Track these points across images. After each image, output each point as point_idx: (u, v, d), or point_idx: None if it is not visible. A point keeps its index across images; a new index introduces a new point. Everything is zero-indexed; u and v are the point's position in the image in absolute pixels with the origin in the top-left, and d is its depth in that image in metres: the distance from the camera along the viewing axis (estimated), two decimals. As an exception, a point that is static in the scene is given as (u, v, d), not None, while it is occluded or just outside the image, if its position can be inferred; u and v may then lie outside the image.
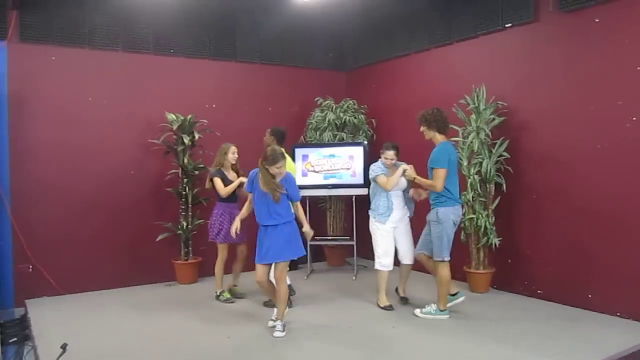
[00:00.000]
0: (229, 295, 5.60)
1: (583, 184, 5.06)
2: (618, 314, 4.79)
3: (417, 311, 4.98)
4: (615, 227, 4.82)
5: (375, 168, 5.25)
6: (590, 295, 5.01)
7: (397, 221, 5.24)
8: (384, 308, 5.23)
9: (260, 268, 4.53)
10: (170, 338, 4.54)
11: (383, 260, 5.24)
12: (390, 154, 5.17)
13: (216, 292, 5.64)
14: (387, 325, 4.77)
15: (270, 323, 4.70)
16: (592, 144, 4.97)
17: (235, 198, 5.62)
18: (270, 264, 4.58)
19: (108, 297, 5.88)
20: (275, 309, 4.70)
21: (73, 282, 5.97)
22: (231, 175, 5.60)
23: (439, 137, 4.91)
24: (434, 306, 4.95)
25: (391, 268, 5.26)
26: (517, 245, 5.68)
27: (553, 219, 5.34)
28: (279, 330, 4.50)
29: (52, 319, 5.06)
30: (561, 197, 5.25)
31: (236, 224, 4.76)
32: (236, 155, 5.60)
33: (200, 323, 4.94)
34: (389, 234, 5.23)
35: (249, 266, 5.23)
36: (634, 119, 4.65)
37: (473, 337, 4.40)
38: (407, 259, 5.31)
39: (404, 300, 5.40)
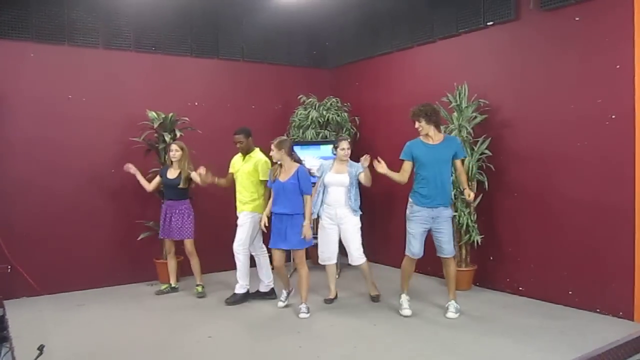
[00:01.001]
0: (163, 288, 5.87)
1: (564, 181, 5.10)
2: (598, 310, 4.83)
3: (451, 314, 4.85)
4: (595, 224, 4.87)
5: (320, 165, 5.45)
6: (570, 292, 5.05)
7: (337, 217, 5.28)
8: (325, 300, 5.39)
9: (277, 253, 5.03)
10: (150, 337, 4.50)
11: (320, 253, 5.43)
12: (345, 143, 5.30)
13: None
14: (369, 323, 4.77)
15: (280, 304, 5.28)
16: (572, 142, 5.01)
17: (176, 196, 5.73)
18: (286, 251, 5.08)
19: (89, 296, 5.82)
20: (284, 292, 5.30)
21: (53, 282, 5.89)
22: (173, 173, 5.73)
23: (437, 132, 4.86)
24: (453, 302, 4.91)
25: (329, 262, 5.39)
26: (499, 243, 5.71)
27: (534, 216, 5.37)
28: (304, 312, 4.97)
29: (30, 320, 5.00)
30: (542, 195, 5.29)
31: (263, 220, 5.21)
32: (175, 153, 5.67)
33: (182, 322, 4.91)
34: (324, 228, 5.36)
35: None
36: (613, 116, 4.70)
37: (454, 334, 4.41)
38: (352, 259, 5.30)
39: (374, 299, 5.41)
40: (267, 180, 5.30)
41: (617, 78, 4.66)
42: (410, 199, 4.92)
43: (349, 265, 5.53)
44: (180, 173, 5.71)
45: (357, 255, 5.31)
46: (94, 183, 6.19)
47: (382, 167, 4.82)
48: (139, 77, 6.50)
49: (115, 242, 6.27)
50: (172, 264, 5.92)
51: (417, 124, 4.83)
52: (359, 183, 5.34)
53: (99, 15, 6.20)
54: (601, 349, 4.06)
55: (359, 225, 5.36)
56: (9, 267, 5.70)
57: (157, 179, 5.86)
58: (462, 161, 4.97)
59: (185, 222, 5.77)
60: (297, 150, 6.73)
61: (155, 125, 6.19)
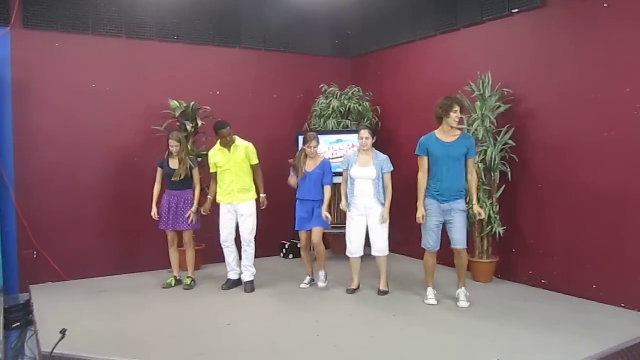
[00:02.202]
0: (168, 281, 5.78)
1: (589, 173, 4.99)
2: (622, 305, 4.73)
3: (463, 303, 4.87)
4: (621, 217, 4.75)
5: (345, 159, 5.44)
6: (594, 286, 4.95)
7: (365, 209, 5.23)
8: (347, 290, 5.40)
9: (303, 234, 5.56)
10: (170, 324, 4.55)
11: (347, 245, 5.37)
12: (365, 132, 5.23)
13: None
14: (388, 313, 4.75)
15: (303, 286, 5.64)
16: (599, 133, 4.88)
17: (181, 185, 5.67)
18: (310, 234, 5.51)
19: (111, 283, 5.91)
20: (307, 277, 5.71)
21: (77, 268, 6.01)
22: (174, 163, 5.64)
23: (457, 130, 4.89)
24: (463, 290, 4.94)
25: (356, 255, 5.35)
26: (522, 235, 5.62)
27: (558, 208, 5.27)
28: (322, 281, 5.58)
29: (55, 305, 5.10)
30: (567, 187, 5.17)
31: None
32: (174, 148, 5.57)
33: (202, 309, 4.96)
34: (353, 220, 5.32)
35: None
36: (642, 106, 4.57)
37: (474, 327, 4.36)
38: (375, 250, 5.27)
39: (382, 293, 5.31)
40: (257, 164, 5.57)
41: (647, 67, 4.53)
42: (426, 193, 4.94)
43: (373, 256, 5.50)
44: (181, 166, 5.62)
45: (380, 247, 5.25)
46: (118, 171, 6.28)
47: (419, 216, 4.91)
48: (161, 66, 6.54)
49: (138, 229, 6.34)
50: (176, 256, 5.85)
51: (459, 113, 4.80)
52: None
53: (121, 4, 6.25)
54: (625, 344, 4.01)
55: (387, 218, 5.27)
56: (35, 252, 5.84)
57: (159, 171, 5.71)
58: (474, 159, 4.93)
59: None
60: (321, 139, 6.79)
61: (177, 114, 6.23)
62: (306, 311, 4.92)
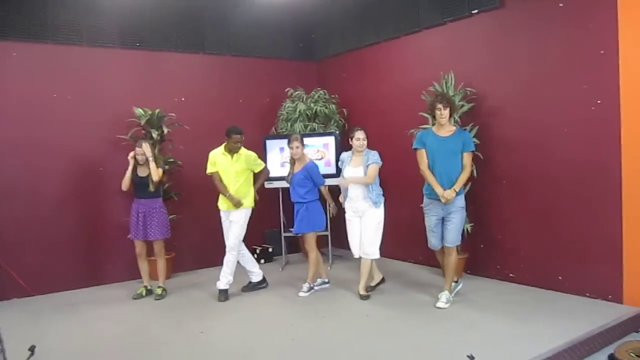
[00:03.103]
0: (138, 292, 5.70)
1: (551, 167, 5.13)
2: (587, 294, 4.88)
3: (441, 304, 4.85)
4: (583, 209, 4.91)
5: (340, 158, 5.42)
6: (560, 277, 5.10)
7: (358, 210, 5.24)
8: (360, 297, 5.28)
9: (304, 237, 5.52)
10: (142, 335, 4.49)
11: (350, 246, 5.35)
12: (360, 133, 5.19)
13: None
14: (361, 314, 4.79)
15: (314, 288, 5.57)
16: (559, 128, 5.03)
17: (144, 194, 5.56)
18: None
19: (80, 296, 5.80)
20: (319, 280, 5.63)
21: (43, 283, 5.86)
22: (143, 171, 5.53)
23: (451, 126, 4.94)
24: (446, 293, 4.93)
25: (357, 255, 5.33)
26: (489, 231, 5.74)
27: (523, 203, 5.40)
28: (304, 291, 5.42)
29: (21, 321, 4.97)
30: (530, 182, 5.31)
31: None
32: (141, 156, 5.48)
33: (174, 319, 4.91)
34: (350, 221, 5.33)
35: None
36: (599, 102, 4.72)
37: (446, 323, 4.44)
38: (362, 252, 5.22)
39: (363, 298, 5.22)
40: (264, 166, 5.66)
41: (602, 64, 4.68)
42: (423, 192, 5.01)
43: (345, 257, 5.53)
44: (149, 173, 5.51)
45: (368, 250, 5.18)
46: (82, 182, 6.15)
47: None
48: (125, 74, 6.44)
49: (105, 240, 6.24)
50: (145, 265, 5.76)
51: (443, 111, 4.82)
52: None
53: (81, 12, 6.13)
54: (592, 332, 4.14)
55: (381, 219, 5.21)
56: (-1, 268, 5.67)
57: (129, 175, 5.57)
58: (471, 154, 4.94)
59: (162, 221, 5.64)
60: (285, 143, 6.78)
61: (142, 122, 6.16)
62: (280, 315, 4.92)
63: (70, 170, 6.09)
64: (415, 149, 4.98)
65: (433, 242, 5.00)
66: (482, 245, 5.82)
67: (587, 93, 4.80)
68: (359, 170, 5.18)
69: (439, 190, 4.79)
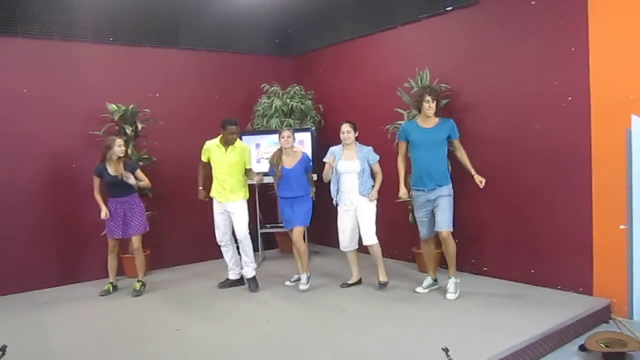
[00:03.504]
0: (105, 288, 5.66)
1: (523, 163, 5.22)
2: (559, 287, 4.98)
3: (450, 295, 4.92)
4: (555, 204, 5.00)
5: (328, 154, 5.39)
6: (532, 271, 5.19)
7: (354, 203, 5.26)
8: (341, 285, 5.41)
9: (295, 230, 5.41)
10: (117, 333, 4.44)
11: (340, 240, 5.38)
12: (345, 126, 5.23)
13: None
14: (338, 309, 4.81)
15: (287, 283, 5.59)
16: (531, 124, 5.12)
17: (126, 191, 5.49)
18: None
19: (52, 295, 5.70)
20: (296, 275, 5.60)
21: (15, 281, 5.74)
22: (114, 169, 5.43)
23: (435, 117, 4.99)
24: (453, 279, 4.99)
25: (349, 249, 5.38)
26: (463, 226, 5.79)
27: (496, 198, 5.48)
28: (304, 283, 5.39)
29: (-8, 321, 4.88)
30: (503, 177, 5.39)
31: None
32: (122, 148, 5.44)
33: (150, 316, 4.86)
34: (343, 218, 5.35)
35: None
36: (570, 98, 4.81)
37: (421, 316, 4.49)
38: (366, 239, 5.26)
39: (382, 285, 5.32)
40: (250, 169, 5.57)
41: (573, 61, 4.77)
42: (410, 184, 5.09)
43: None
44: (124, 168, 5.44)
45: (370, 237, 5.23)
46: (54, 179, 6.04)
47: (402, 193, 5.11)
48: (98, 69, 6.33)
49: (78, 238, 6.15)
50: (114, 262, 5.73)
51: (431, 104, 4.87)
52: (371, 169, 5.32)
53: (52, 5, 6.00)
54: (563, 324, 4.22)
55: (374, 209, 5.29)
56: (-32, 267, 5.55)
57: (97, 180, 5.48)
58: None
59: (142, 217, 5.61)
60: (265, 139, 6.78)
61: (116, 118, 6.07)
62: (257, 311, 4.90)
63: (42, 167, 5.97)
64: (401, 132, 5.07)
65: (423, 231, 5.09)
66: (456, 240, 5.80)
67: (558, 89, 4.89)
68: (353, 163, 5.23)
69: (401, 190, 5.01)
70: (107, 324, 4.72)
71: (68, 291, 5.83)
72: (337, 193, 5.36)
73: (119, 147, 5.40)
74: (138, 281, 5.65)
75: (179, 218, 6.04)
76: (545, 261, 5.10)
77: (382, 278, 5.35)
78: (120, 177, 5.35)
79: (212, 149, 5.48)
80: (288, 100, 7.10)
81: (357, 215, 5.30)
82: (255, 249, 6.61)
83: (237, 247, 5.60)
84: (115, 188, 5.47)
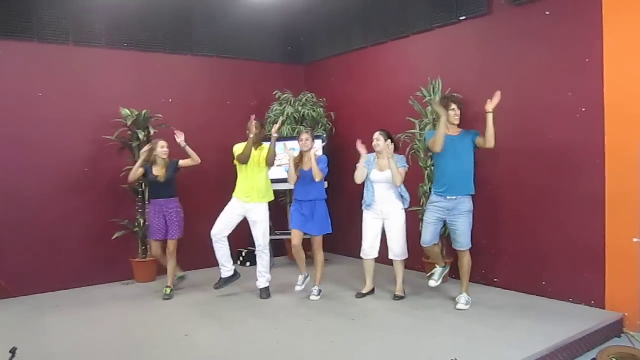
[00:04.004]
0: (168, 292, 5.65)
1: (536, 174, 5.18)
2: (571, 299, 4.93)
3: (461, 306, 4.90)
4: (567, 216, 4.96)
5: (367, 158, 5.29)
6: (544, 282, 5.14)
7: (383, 213, 5.23)
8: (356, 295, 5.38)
9: (297, 233, 5.33)
10: (126, 338, 4.45)
11: (363, 246, 5.33)
12: (375, 134, 5.20)
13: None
14: (347, 318, 4.79)
15: (297, 288, 5.44)
16: (544, 135, 5.09)
17: (166, 194, 5.60)
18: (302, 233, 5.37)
19: (63, 298, 5.73)
20: (300, 276, 5.46)
21: (27, 284, 5.78)
22: (157, 170, 5.56)
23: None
24: (465, 295, 4.97)
25: (369, 257, 5.31)
26: (474, 236, 5.71)
27: (508, 208, 5.45)
28: (315, 295, 5.39)
29: (3, 323, 4.90)
30: (515, 187, 5.36)
31: None
32: (165, 150, 5.58)
33: (159, 321, 4.87)
34: (368, 222, 5.30)
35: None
36: (584, 109, 4.78)
37: (431, 327, 4.46)
38: (392, 254, 5.26)
39: (397, 298, 5.29)
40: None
41: (587, 72, 4.74)
42: (432, 190, 5.04)
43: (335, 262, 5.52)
44: (166, 170, 5.58)
45: (398, 251, 5.23)
46: (67, 182, 6.09)
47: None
48: (112, 74, 6.40)
49: (89, 241, 6.19)
50: (172, 264, 5.72)
51: (457, 111, 4.88)
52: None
53: (68, 10, 6.09)
54: (574, 337, 4.17)
55: (404, 219, 5.26)
56: (-20, 269, 5.60)
57: (141, 170, 5.60)
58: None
59: (179, 222, 5.67)
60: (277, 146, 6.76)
61: (129, 123, 6.12)
62: (265, 318, 4.89)
63: (55, 171, 6.02)
64: (427, 140, 5.05)
65: (427, 237, 4.96)
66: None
67: (572, 100, 4.86)
68: (386, 173, 5.18)
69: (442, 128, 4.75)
70: (115, 328, 4.73)
71: (78, 294, 5.86)
72: (370, 200, 5.26)
73: (162, 148, 5.55)
74: (167, 287, 5.66)
75: (191, 223, 6.03)
76: (557, 273, 5.05)
77: (399, 292, 5.32)
78: (159, 180, 5.52)
79: (240, 149, 5.47)
80: (300, 108, 7.11)
81: (386, 228, 5.26)
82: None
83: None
84: (155, 189, 5.61)
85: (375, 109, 6.78)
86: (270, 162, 5.43)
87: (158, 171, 5.58)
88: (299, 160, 5.42)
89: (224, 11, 7.13)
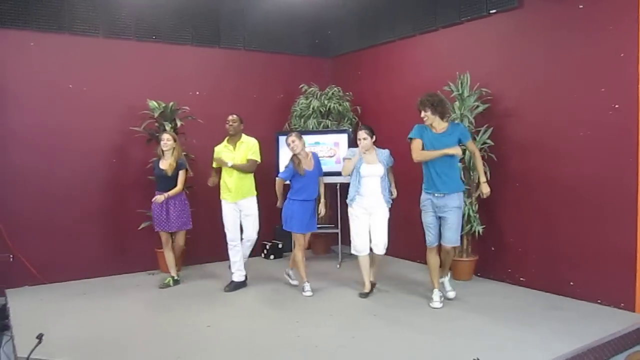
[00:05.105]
0: (166, 281, 5.77)
1: (566, 171, 5.06)
2: (599, 301, 4.81)
3: (451, 294, 5.00)
4: (598, 215, 4.83)
5: (348, 152, 5.37)
6: (571, 283, 5.03)
7: (370, 207, 5.20)
8: (360, 295, 5.29)
9: (302, 237, 5.41)
10: (150, 327, 4.52)
11: (354, 243, 5.28)
12: (361, 133, 5.17)
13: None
14: (368, 313, 4.77)
15: (309, 294, 5.38)
16: (575, 131, 4.96)
17: (165, 187, 5.65)
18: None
19: (90, 286, 5.83)
20: (306, 284, 5.43)
21: (55, 271, 5.91)
22: (164, 164, 5.64)
23: (441, 122, 4.84)
24: (447, 278, 5.08)
25: (364, 253, 5.25)
26: (501, 233, 5.68)
27: (536, 206, 5.34)
28: (308, 290, 5.37)
29: (32, 309, 5.02)
30: (544, 185, 5.24)
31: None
32: (166, 142, 5.63)
33: (182, 311, 4.92)
34: (358, 218, 5.24)
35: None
36: (617, 106, 4.64)
37: (453, 325, 4.40)
38: (377, 248, 5.22)
39: (372, 285, 5.35)
40: (255, 160, 5.52)
41: (621, 67, 4.60)
42: (423, 188, 4.98)
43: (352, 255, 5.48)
44: (170, 164, 5.63)
45: (382, 245, 5.20)
46: (95, 172, 6.19)
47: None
48: (140, 66, 6.47)
49: (116, 231, 6.29)
50: (171, 256, 5.81)
51: (422, 113, 4.81)
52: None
53: (99, 4, 6.17)
54: (602, 340, 4.07)
55: (388, 215, 5.24)
56: (11, 255, 5.73)
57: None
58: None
59: (184, 213, 5.77)
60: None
61: (156, 115, 6.17)
62: (287, 311, 4.91)
63: (84, 161, 6.12)
64: (411, 139, 4.88)
65: (430, 238, 4.92)
66: (492, 248, 5.76)
67: (604, 96, 4.72)
68: (376, 167, 5.17)
69: (442, 151, 4.72)
70: (139, 317, 4.81)
71: (105, 283, 5.96)
72: (355, 194, 5.24)
73: (162, 141, 5.62)
74: (171, 276, 5.77)
75: (215, 215, 6.08)
76: (585, 274, 4.93)
77: (373, 279, 5.39)
78: (165, 173, 5.58)
79: (221, 150, 5.58)
80: (326, 101, 7.08)
81: (371, 221, 5.23)
82: (289, 249, 6.64)
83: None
84: (161, 182, 5.68)
85: (402, 103, 6.69)
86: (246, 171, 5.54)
87: (165, 165, 5.64)
88: (297, 162, 5.33)
89: (251, 4, 7.14)
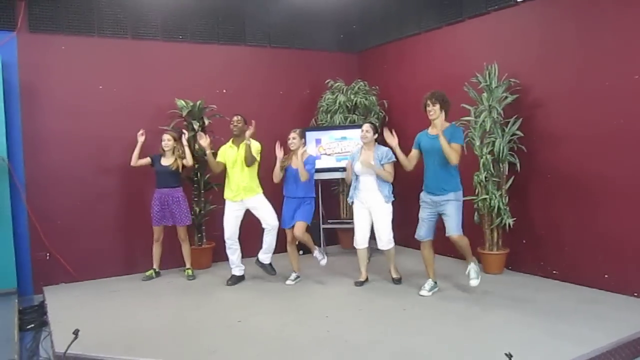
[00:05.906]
0: (148, 274, 6.05)
1: (599, 162, 4.94)
2: (635, 294, 4.69)
3: (474, 282, 4.92)
4: (632, 206, 4.70)
5: (352, 153, 5.54)
6: (606, 276, 4.91)
7: (367, 201, 5.30)
8: (355, 283, 5.48)
9: (290, 232, 5.58)
10: (181, 322, 4.58)
11: (354, 236, 5.46)
12: (366, 126, 5.31)
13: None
14: (398, 307, 4.75)
15: (289, 282, 5.65)
16: (609, 121, 4.83)
17: (172, 183, 5.92)
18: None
19: (123, 283, 5.95)
20: (293, 274, 5.72)
21: (88, 269, 6.06)
22: (166, 161, 5.90)
23: (443, 122, 4.86)
24: (472, 265, 4.97)
25: (361, 246, 5.42)
26: (532, 226, 5.59)
27: (568, 198, 5.23)
28: (291, 280, 5.64)
29: (68, 306, 5.15)
30: (576, 176, 5.13)
31: None
32: (166, 142, 5.88)
33: (212, 307, 4.99)
34: (358, 212, 5.39)
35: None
36: (652, 93, 4.51)
37: (485, 318, 4.36)
38: (380, 244, 5.34)
39: (396, 281, 5.48)
40: (255, 157, 5.56)
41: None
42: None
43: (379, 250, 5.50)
44: (174, 161, 5.88)
45: (385, 240, 5.32)
46: (127, 171, 6.28)
47: (393, 140, 4.99)
48: (167, 66, 6.56)
49: (147, 229, 6.36)
50: (159, 250, 6.07)
51: (431, 107, 4.83)
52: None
53: (126, 5, 6.28)
54: (637, 334, 3.97)
55: (390, 211, 5.32)
56: (48, 254, 5.89)
57: (147, 159, 5.94)
58: (458, 145, 4.77)
59: (183, 209, 5.95)
60: (326, 134, 6.78)
61: (184, 114, 6.25)
62: (315, 306, 4.93)
63: (115, 161, 6.23)
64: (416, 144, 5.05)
65: (421, 232, 5.00)
66: (524, 241, 5.67)
67: (638, 85, 4.59)
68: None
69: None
70: (169, 312, 4.88)
71: (137, 280, 6.05)
72: (354, 191, 5.39)
73: (163, 141, 5.87)
74: (187, 269, 6.04)
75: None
76: (621, 266, 4.81)
77: (395, 274, 5.50)
78: (169, 169, 5.83)
79: (226, 150, 5.70)
80: (352, 96, 7.06)
81: (373, 216, 5.33)
82: (318, 244, 6.64)
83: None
84: (161, 178, 5.91)
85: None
86: (247, 163, 5.51)
87: (167, 161, 5.86)
88: (289, 158, 5.51)
89: (276, 1, 7.15)
